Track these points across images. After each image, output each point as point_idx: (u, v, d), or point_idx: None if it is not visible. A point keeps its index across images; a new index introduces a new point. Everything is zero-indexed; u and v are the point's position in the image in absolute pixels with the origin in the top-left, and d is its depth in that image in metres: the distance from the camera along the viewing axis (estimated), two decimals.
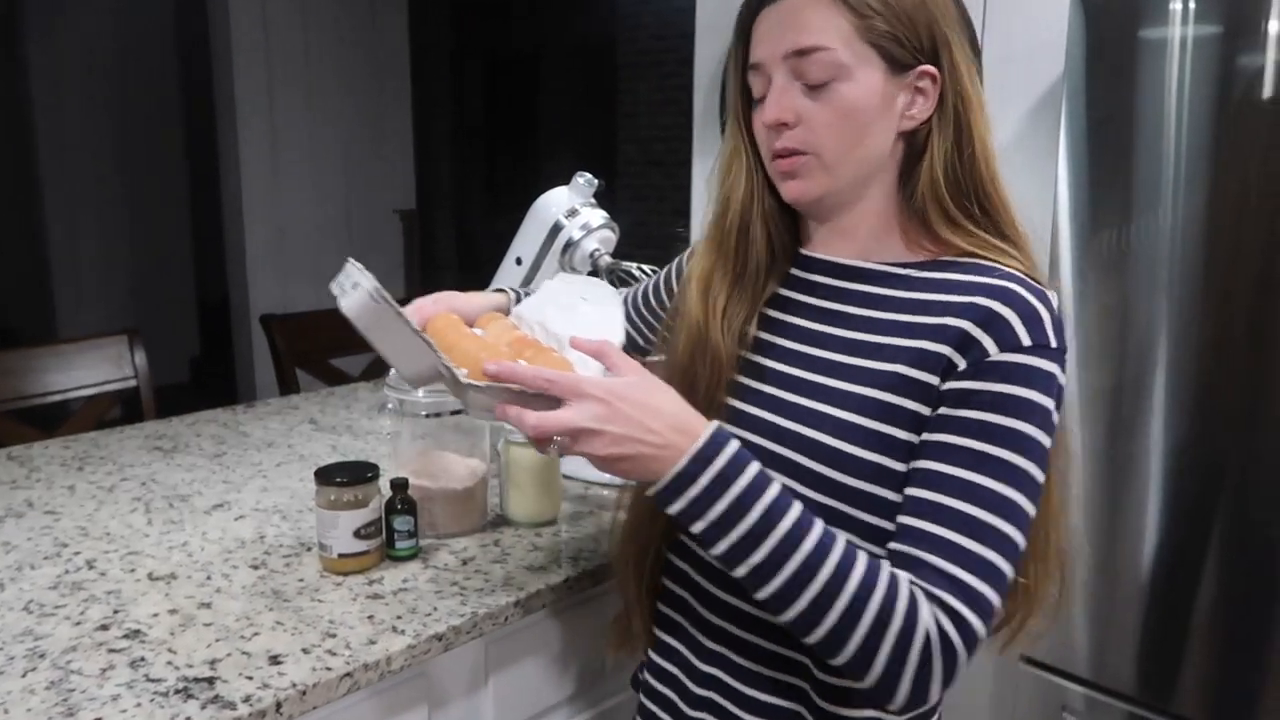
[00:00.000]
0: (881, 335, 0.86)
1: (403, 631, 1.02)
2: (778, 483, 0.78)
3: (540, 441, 0.79)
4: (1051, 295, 0.83)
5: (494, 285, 1.58)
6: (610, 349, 0.84)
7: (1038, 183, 1.85)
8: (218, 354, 5.09)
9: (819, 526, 0.77)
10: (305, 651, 0.98)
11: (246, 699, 0.89)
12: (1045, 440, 0.79)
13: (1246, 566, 1.49)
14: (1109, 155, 1.60)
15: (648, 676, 1.04)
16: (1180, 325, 1.53)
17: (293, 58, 4.29)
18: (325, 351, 2.38)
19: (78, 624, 1.02)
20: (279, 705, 0.90)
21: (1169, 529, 1.57)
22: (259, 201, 4.28)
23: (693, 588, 0.97)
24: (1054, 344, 0.80)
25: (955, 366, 0.81)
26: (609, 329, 0.94)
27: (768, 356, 0.93)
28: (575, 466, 1.45)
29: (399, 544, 1.18)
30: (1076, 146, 1.63)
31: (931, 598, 0.75)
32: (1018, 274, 0.84)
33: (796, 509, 0.77)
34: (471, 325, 0.97)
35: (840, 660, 0.77)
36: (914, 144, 0.88)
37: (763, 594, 0.77)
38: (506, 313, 1.06)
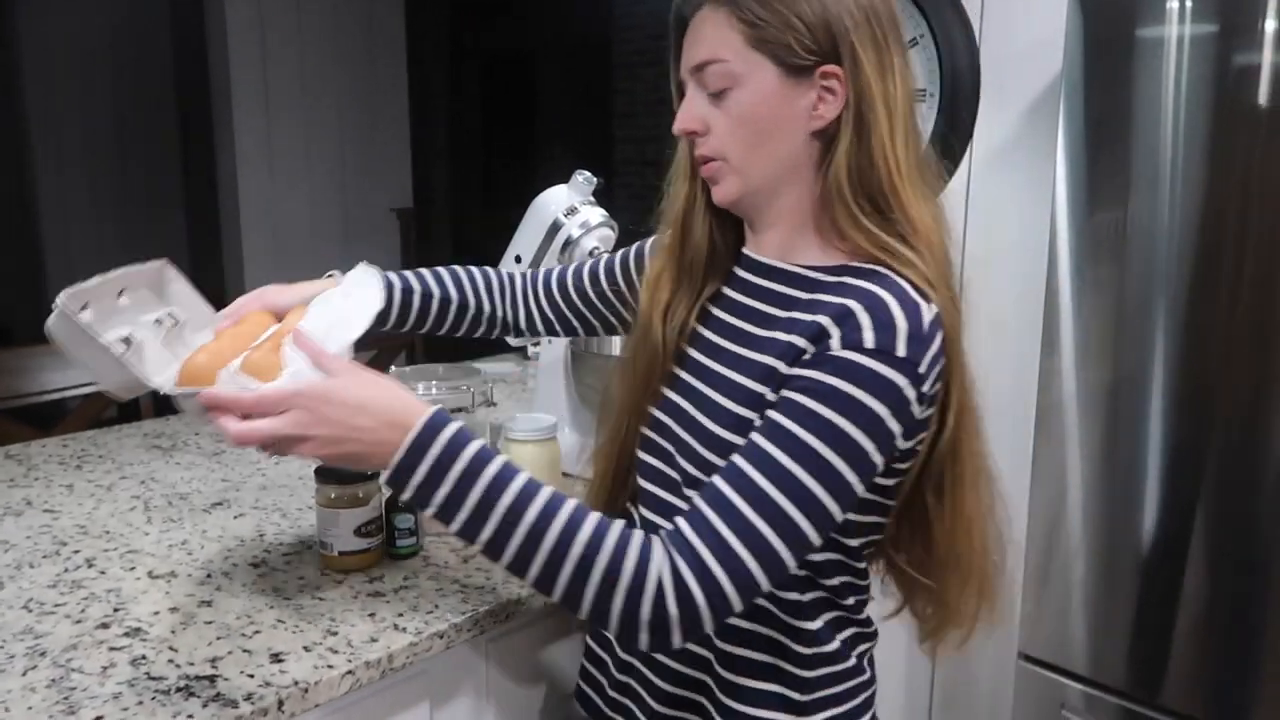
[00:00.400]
0: (772, 331, 0.90)
1: (404, 629, 1.02)
2: (500, 459, 0.82)
3: (266, 448, 0.83)
4: (927, 310, 0.84)
5: None
6: (322, 352, 0.87)
7: (1036, 180, 1.85)
8: None
9: (544, 494, 0.81)
10: (307, 649, 0.97)
11: (249, 697, 0.89)
12: (865, 442, 0.81)
13: (1246, 563, 1.49)
14: (1106, 153, 1.61)
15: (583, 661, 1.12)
16: (1177, 323, 1.54)
17: (289, 57, 4.29)
18: None
19: (78, 622, 1.02)
20: (281, 703, 0.90)
21: (1167, 526, 1.57)
22: (255, 199, 4.28)
23: None
24: (901, 354, 0.81)
25: (803, 355, 0.84)
26: (350, 322, 0.94)
27: (696, 348, 0.98)
28: (577, 467, 1.46)
29: (400, 542, 1.18)
30: (1074, 144, 1.63)
31: (681, 544, 0.80)
32: (902, 286, 0.84)
33: (519, 481, 0.81)
34: (283, 318, 1.00)
35: (581, 613, 0.82)
36: (828, 143, 0.89)
37: (501, 563, 0.82)
38: None
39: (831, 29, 0.85)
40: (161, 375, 0.92)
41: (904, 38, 0.90)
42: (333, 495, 1.13)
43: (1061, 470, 1.70)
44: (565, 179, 1.54)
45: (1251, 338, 1.46)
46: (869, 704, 1.00)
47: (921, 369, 0.82)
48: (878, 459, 0.83)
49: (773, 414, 0.83)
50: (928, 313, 0.83)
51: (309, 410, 0.81)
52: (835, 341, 0.82)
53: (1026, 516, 1.78)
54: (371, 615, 1.05)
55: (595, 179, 1.51)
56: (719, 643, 0.94)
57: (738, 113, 0.89)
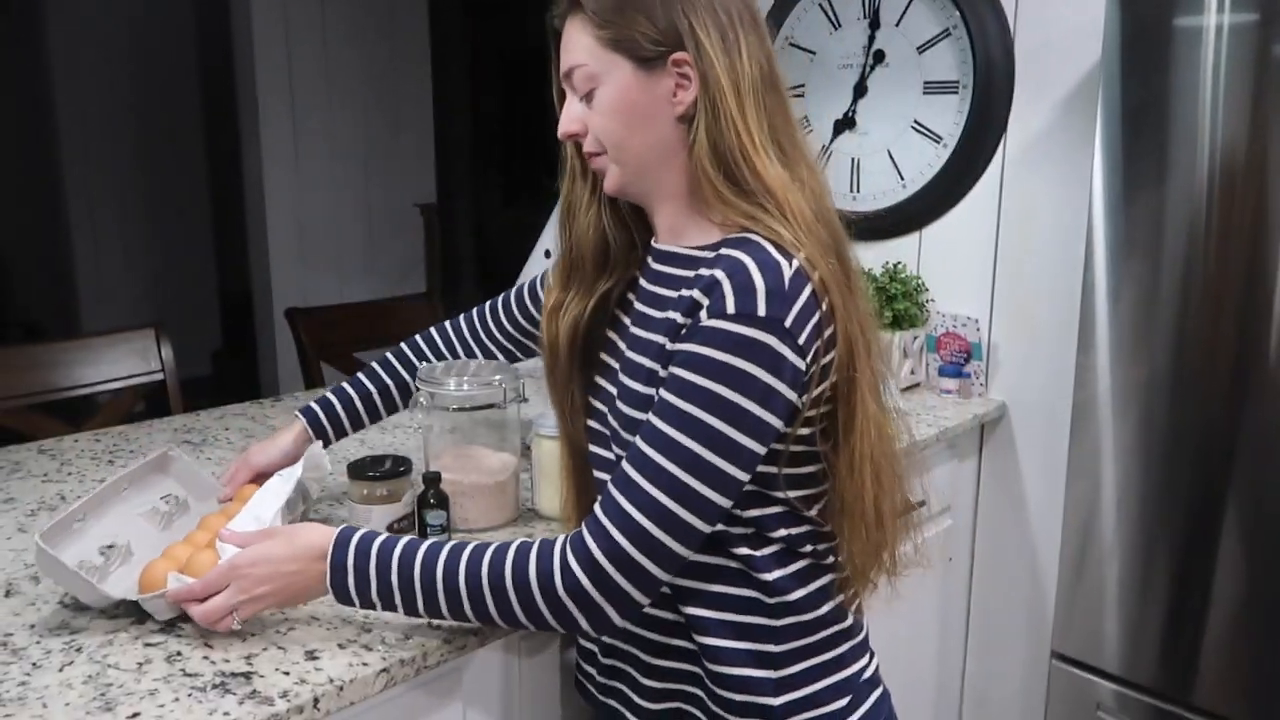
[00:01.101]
0: (664, 311, 0.95)
1: (439, 627, 1.01)
2: (401, 541, 0.94)
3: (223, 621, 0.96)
4: (788, 267, 0.87)
5: (521, 278, 1.58)
6: (246, 536, 1.00)
7: (1072, 173, 1.82)
8: (239, 347, 5.11)
9: (446, 550, 0.93)
10: (341, 647, 0.97)
11: (284, 694, 0.89)
12: (745, 403, 0.85)
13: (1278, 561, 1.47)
14: (1144, 144, 1.58)
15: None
16: (1214, 317, 1.51)
17: (313, 51, 4.29)
18: (349, 344, 2.38)
19: (113, 618, 1.02)
20: (316, 701, 0.89)
21: (1201, 524, 1.55)
22: (280, 195, 4.28)
23: None
24: (762, 313, 0.84)
25: (681, 330, 0.89)
26: (268, 501, 1.10)
27: (621, 337, 1.03)
28: None
29: (432, 538, 1.17)
30: (1112, 134, 1.61)
31: (592, 523, 0.88)
32: (764, 248, 0.88)
33: (422, 551, 0.93)
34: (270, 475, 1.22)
35: (527, 625, 0.91)
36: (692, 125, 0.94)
37: (451, 620, 0.95)
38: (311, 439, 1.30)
39: (674, 20, 0.91)
40: (128, 581, 1.05)
41: (758, 14, 0.96)
42: (366, 492, 1.13)
43: (1096, 467, 1.67)
44: None
45: None
46: (858, 652, 1.01)
47: (788, 323, 0.85)
48: (768, 417, 0.86)
49: (661, 391, 0.89)
50: (788, 269, 0.87)
51: (245, 577, 0.95)
52: (704, 313, 0.87)
53: (1061, 514, 1.76)
54: None
55: None
56: (687, 608, 0.96)
57: (603, 108, 0.95)
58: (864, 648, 1.03)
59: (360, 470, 1.14)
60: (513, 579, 0.89)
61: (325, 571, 0.94)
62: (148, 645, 0.97)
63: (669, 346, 0.90)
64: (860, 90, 2.12)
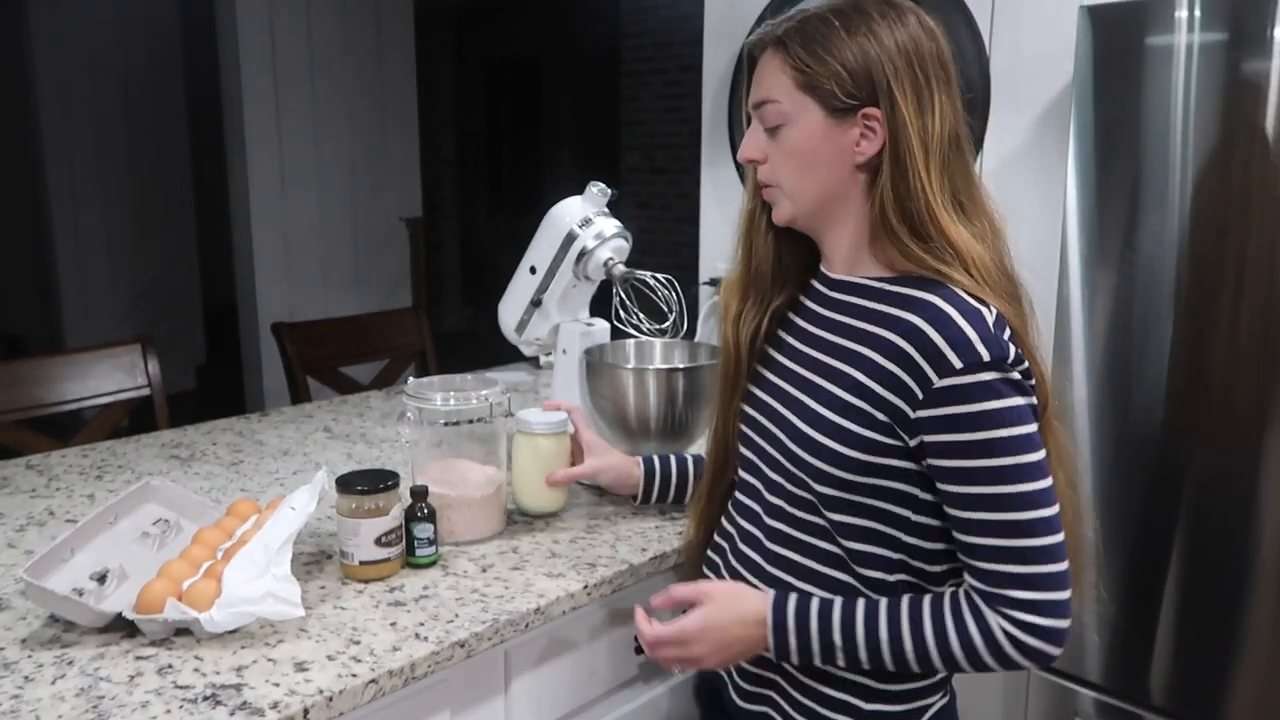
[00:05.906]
0: (848, 340, 1.01)
1: (425, 638, 1.03)
2: (837, 604, 0.98)
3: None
4: (989, 313, 0.93)
5: (509, 296, 1.60)
6: (685, 595, 1.05)
7: (1047, 190, 1.86)
8: (224, 361, 5.11)
9: (883, 610, 0.96)
10: (330, 658, 0.99)
11: (274, 705, 0.90)
12: (1026, 429, 0.91)
13: (1262, 573, 1.49)
14: (1116, 162, 1.61)
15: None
16: (1186, 332, 1.54)
17: (298, 65, 4.31)
18: (336, 359, 2.39)
19: (104, 632, 1.03)
20: (306, 712, 0.91)
21: (1182, 535, 1.57)
22: (266, 209, 4.29)
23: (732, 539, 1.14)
24: (986, 357, 0.90)
25: (913, 393, 0.93)
26: (280, 531, 1.10)
27: (782, 354, 1.10)
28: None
29: (419, 551, 1.19)
30: (1085, 154, 1.64)
31: (997, 599, 0.93)
32: (958, 294, 0.94)
33: (860, 614, 0.97)
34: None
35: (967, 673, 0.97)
36: (874, 174, 0.99)
37: (887, 669, 0.99)
38: None
39: (871, 75, 0.95)
40: (125, 600, 1.05)
41: (953, 71, 0.99)
42: (354, 505, 1.14)
43: (1074, 477, 1.70)
44: (572, 187, 1.55)
45: (1265, 346, 1.46)
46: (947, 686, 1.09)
47: (1009, 359, 0.91)
48: (1033, 441, 0.93)
49: (941, 461, 0.93)
50: (989, 314, 0.93)
51: (695, 642, 1.01)
52: (930, 373, 0.91)
53: None
54: (393, 624, 1.06)
55: (609, 190, 1.52)
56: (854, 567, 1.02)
57: (786, 146, 1.00)
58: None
59: (348, 484, 1.15)
60: (963, 651, 0.94)
61: (767, 636, 1.00)
62: (139, 658, 0.98)
63: (880, 391, 0.94)
64: None
